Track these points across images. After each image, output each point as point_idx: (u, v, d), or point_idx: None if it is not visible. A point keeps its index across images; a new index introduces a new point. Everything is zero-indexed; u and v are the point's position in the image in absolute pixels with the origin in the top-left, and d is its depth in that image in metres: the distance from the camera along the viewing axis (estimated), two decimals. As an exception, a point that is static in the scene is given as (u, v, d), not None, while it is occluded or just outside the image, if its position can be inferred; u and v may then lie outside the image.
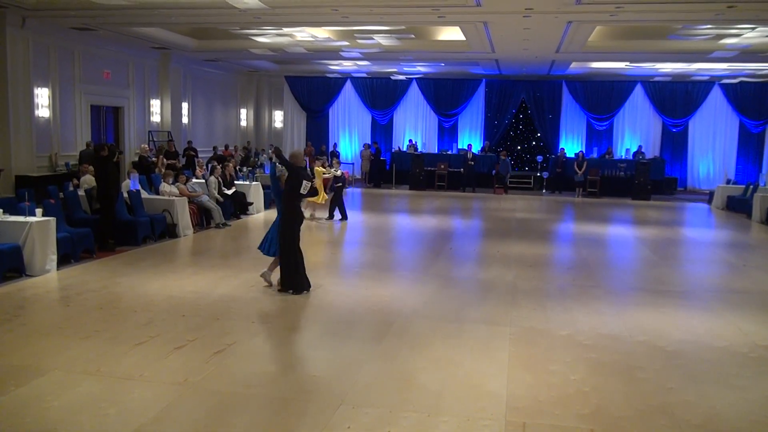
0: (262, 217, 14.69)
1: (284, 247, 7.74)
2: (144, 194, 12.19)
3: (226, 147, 21.88)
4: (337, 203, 14.20)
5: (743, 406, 4.94)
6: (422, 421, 4.53)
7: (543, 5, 11.78)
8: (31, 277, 8.43)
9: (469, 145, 22.84)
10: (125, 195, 11.42)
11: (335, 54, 19.06)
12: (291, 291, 7.79)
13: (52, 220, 8.93)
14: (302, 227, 7.97)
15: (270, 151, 23.92)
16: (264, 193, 15.61)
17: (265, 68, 24.15)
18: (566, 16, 12.75)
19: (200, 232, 12.41)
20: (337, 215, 14.24)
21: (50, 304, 7.54)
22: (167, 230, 11.66)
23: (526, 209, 17.46)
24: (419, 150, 23.67)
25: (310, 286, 7.91)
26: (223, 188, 14.10)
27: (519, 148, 24.97)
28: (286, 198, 7.78)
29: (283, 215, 7.81)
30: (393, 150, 24.32)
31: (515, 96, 24.02)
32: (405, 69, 22.72)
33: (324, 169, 14.61)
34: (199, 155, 19.76)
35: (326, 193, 14.57)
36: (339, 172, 14.41)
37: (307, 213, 13.33)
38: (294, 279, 7.79)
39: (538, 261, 10.43)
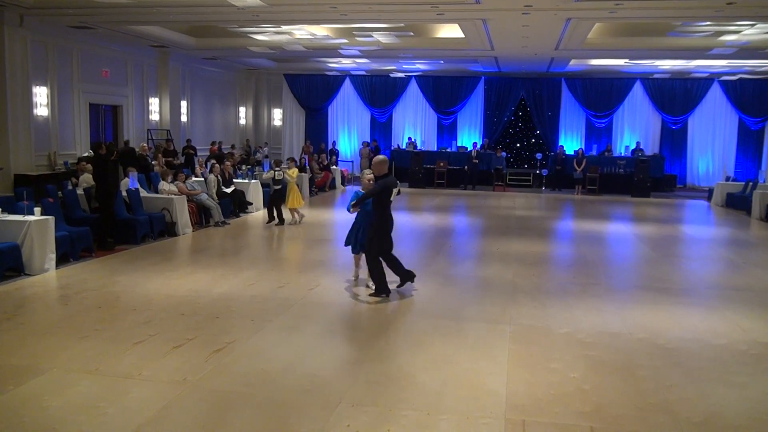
0: (261, 216, 14.67)
1: (373, 251, 7.70)
2: (143, 193, 12.17)
3: (212, 143, 20.84)
4: (274, 205, 13.27)
5: (743, 404, 4.94)
6: (422, 419, 4.52)
7: (542, 2, 11.75)
8: (30, 276, 8.42)
9: (474, 144, 22.83)
10: (124, 194, 11.41)
11: (334, 52, 19.04)
12: (384, 295, 7.70)
13: (51, 219, 8.92)
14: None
15: (266, 154, 23.87)
16: (263, 192, 15.58)
17: (264, 66, 24.14)
18: (565, 14, 12.73)
19: (199, 231, 12.40)
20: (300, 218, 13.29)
21: (49, 303, 7.52)
22: (166, 229, 11.67)
23: (525, 206, 17.45)
24: (418, 148, 23.68)
25: (411, 277, 7.96)
26: (222, 187, 14.08)
27: (518, 145, 24.94)
28: (377, 205, 7.69)
29: (376, 221, 7.73)
30: (392, 148, 24.31)
31: (514, 93, 24.00)
32: (404, 66, 22.69)
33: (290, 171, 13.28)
34: (198, 153, 19.75)
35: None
36: (282, 175, 13.11)
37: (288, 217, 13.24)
38: (394, 274, 7.91)
39: (538, 258, 10.42)
